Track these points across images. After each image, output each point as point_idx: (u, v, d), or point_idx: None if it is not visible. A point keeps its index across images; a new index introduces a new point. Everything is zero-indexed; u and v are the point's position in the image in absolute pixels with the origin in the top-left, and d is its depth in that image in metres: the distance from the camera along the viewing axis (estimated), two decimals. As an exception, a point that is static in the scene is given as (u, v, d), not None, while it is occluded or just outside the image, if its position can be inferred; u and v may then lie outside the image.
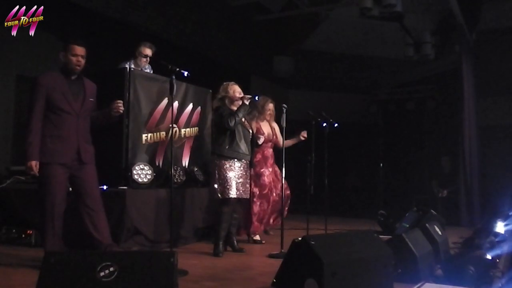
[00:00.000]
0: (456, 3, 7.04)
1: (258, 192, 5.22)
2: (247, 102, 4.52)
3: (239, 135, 4.54)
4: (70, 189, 3.68)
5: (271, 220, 5.45)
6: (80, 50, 3.57)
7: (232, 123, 4.41)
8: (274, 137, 5.45)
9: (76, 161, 3.57)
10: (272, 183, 5.33)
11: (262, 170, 5.28)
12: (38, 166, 3.47)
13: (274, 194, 5.31)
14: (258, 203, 5.22)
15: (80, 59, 3.58)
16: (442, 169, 8.56)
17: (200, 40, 8.37)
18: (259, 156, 5.29)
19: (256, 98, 4.66)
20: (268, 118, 5.45)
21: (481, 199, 7.99)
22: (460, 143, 7.81)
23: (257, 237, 5.24)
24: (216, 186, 4.46)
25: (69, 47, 3.56)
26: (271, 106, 5.45)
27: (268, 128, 5.43)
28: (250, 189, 4.77)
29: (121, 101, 3.74)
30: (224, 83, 4.71)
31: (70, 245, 3.83)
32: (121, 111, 3.77)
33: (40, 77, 3.59)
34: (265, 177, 5.28)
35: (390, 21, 8.20)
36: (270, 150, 5.43)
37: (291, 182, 5.52)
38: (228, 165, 4.47)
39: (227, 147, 4.48)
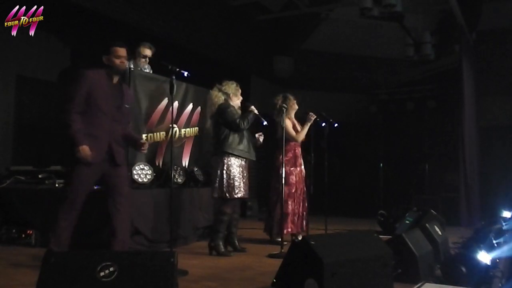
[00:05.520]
0: (456, 3, 7.04)
1: (288, 191, 5.09)
2: (256, 112, 4.55)
3: (244, 134, 4.57)
4: (95, 187, 3.75)
5: (304, 224, 5.25)
6: (122, 51, 3.61)
7: (244, 125, 4.46)
8: None
9: (108, 162, 3.58)
10: (299, 183, 5.25)
11: (292, 168, 5.20)
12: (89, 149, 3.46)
13: (299, 193, 5.23)
14: (289, 202, 5.11)
15: (124, 60, 3.62)
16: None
17: (200, 40, 8.36)
18: (290, 154, 5.21)
19: (265, 123, 4.66)
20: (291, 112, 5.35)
21: (481, 199, 7.99)
22: (460, 143, 7.81)
23: (279, 238, 4.87)
24: (222, 185, 4.43)
25: (111, 50, 3.59)
26: (292, 98, 5.37)
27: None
28: (283, 188, 4.75)
29: (147, 145, 3.82)
30: (231, 82, 4.65)
31: (70, 245, 3.81)
32: (144, 152, 4.12)
33: (86, 70, 3.59)
34: (294, 176, 5.20)
35: (390, 21, 8.21)
36: (300, 149, 5.34)
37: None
38: (236, 164, 4.48)
39: (236, 145, 4.49)
